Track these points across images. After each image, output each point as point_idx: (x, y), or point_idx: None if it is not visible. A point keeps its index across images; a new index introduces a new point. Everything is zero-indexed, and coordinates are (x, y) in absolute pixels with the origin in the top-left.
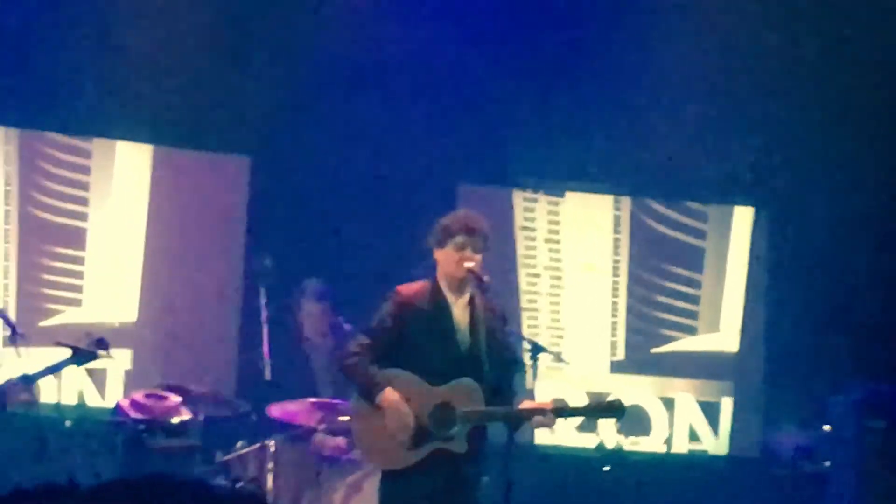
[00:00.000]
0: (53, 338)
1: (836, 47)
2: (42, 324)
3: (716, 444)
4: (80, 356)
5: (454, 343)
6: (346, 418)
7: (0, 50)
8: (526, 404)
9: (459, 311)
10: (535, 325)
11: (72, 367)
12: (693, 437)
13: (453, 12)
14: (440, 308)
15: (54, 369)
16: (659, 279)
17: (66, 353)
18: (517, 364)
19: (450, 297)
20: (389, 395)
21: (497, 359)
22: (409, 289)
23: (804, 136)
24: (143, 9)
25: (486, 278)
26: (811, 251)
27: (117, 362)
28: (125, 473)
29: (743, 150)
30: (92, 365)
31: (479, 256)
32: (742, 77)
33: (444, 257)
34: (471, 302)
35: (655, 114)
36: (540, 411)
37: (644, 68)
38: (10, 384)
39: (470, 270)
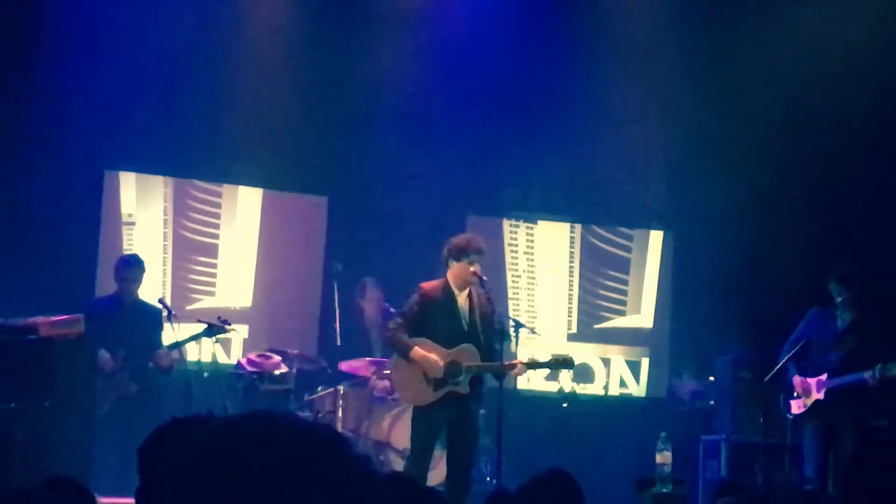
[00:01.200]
0: (195, 317)
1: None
2: (188, 307)
3: (637, 389)
4: (211, 330)
5: (458, 321)
6: (388, 371)
7: (158, 121)
8: (508, 361)
9: (462, 300)
10: (517, 308)
11: (205, 338)
12: (622, 384)
13: (469, 81)
14: (449, 298)
15: (194, 338)
16: (600, 279)
17: (201, 327)
18: (504, 335)
19: (456, 291)
20: (418, 352)
21: (488, 330)
22: (429, 285)
23: (699, 180)
24: (254, 88)
25: (485, 278)
26: (701, 260)
27: (238, 334)
28: (244, 409)
29: (657, 192)
30: (220, 336)
31: (478, 267)
32: (655, 140)
33: (459, 268)
34: (469, 294)
35: (597, 166)
36: (514, 366)
37: (587, 134)
38: (164, 351)
39: (475, 273)
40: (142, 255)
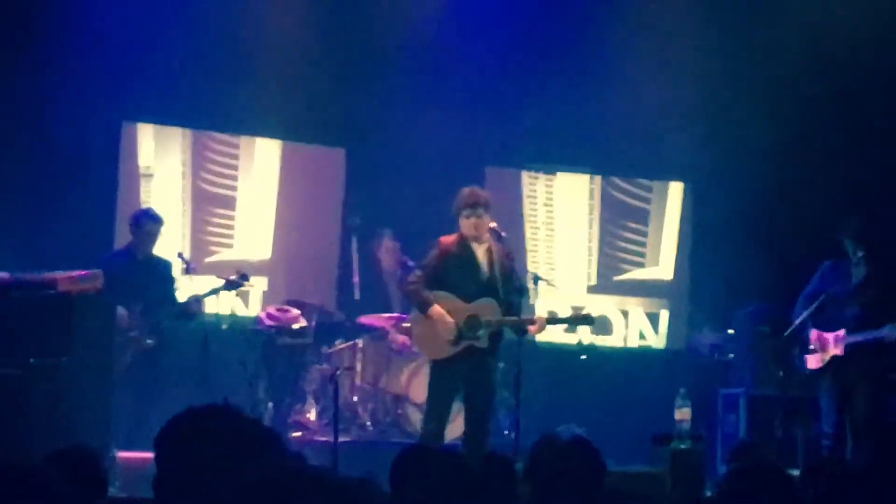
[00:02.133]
0: (214, 270)
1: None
2: (207, 260)
3: (656, 340)
4: (230, 285)
5: (477, 274)
6: (408, 324)
7: (176, 73)
8: (528, 316)
9: (481, 254)
10: (535, 261)
11: (224, 292)
12: (641, 336)
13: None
14: (467, 252)
15: (213, 292)
16: (619, 230)
17: (220, 281)
18: (523, 289)
19: (473, 244)
20: (437, 308)
21: (508, 286)
22: (446, 239)
23: (718, 131)
24: (271, 40)
25: (503, 233)
26: (720, 212)
27: (256, 287)
28: (262, 362)
29: (676, 143)
30: (239, 290)
31: (482, 219)
32: (675, 91)
33: (461, 224)
34: (488, 248)
35: (617, 117)
36: (536, 321)
37: (607, 85)
38: (190, 301)
39: (492, 229)
40: (160, 208)
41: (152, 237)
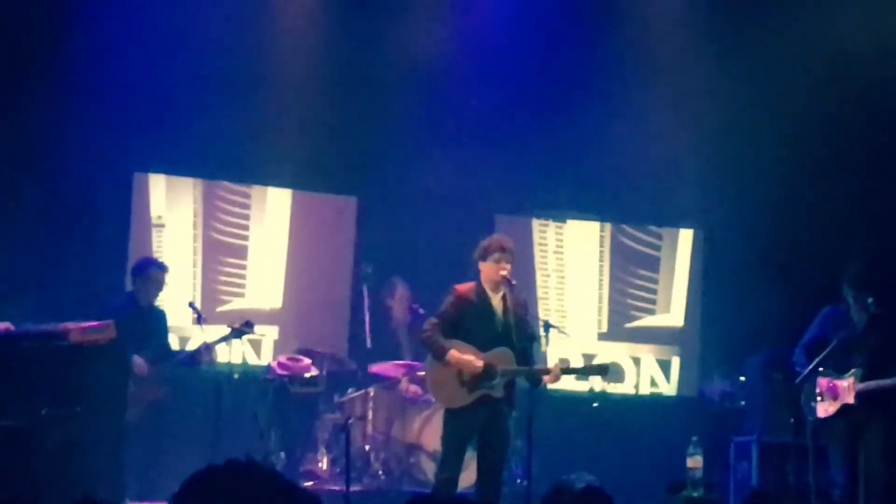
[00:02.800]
0: (226, 320)
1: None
2: (219, 309)
3: (668, 388)
4: (236, 333)
5: (493, 323)
6: (422, 373)
7: (187, 123)
8: (543, 366)
9: (496, 302)
10: (547, 308)
11: (235, 340)
12: (653, 383)
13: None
14: (484, 300)
15: (220, 341)
16: (630, 277)
17: (228, 330)
18: (535, 337)
19: (489, 293)
20: (454, 353)
21: (522, 334)
22: (463, 287)
23: (729, 178)
24: (282, 89)
25: (514, 282)
26: (730, 259)
27: (267, 336)
28: (273, 411)
29: (686, 190)
30: (250, 337)
31: (509, 266)
32: (686, 138)
33: (486, 268)
34: (503, 297)
35: (627, 165)
36: (550, 371)
37: (616, 132)
38: (200, 348)
39: (504, 276)
40: (171, 258)
41: (159, 285)
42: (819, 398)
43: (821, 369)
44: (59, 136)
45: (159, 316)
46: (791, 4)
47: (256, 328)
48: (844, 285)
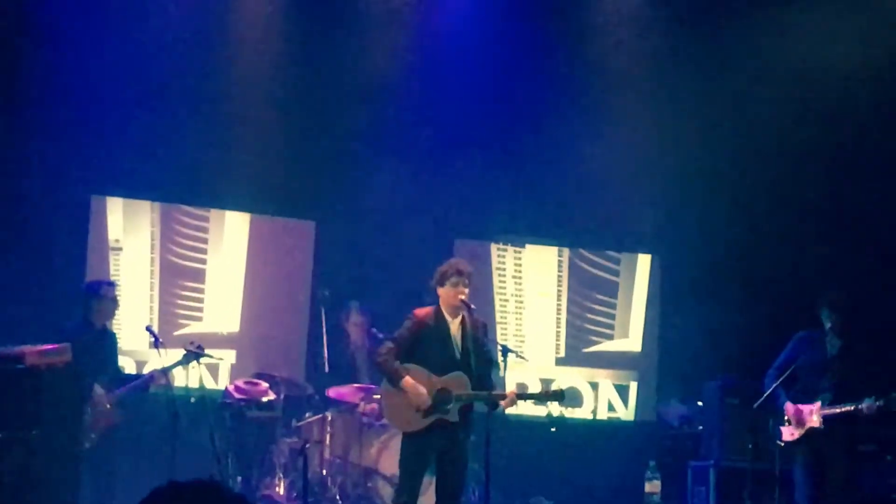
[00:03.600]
0: (183, 343)
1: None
2: (175, 333)
3: (626, 413)
4: (188, 357)
5: (450, 348)
6: (377, 397)
7: (144, 146)
8: (499, 391)
9: (454, 327)
10: (505, 333)
11: (191, 364)
12: (611, 408)
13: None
14: (442, 325)
15: (173, 367)
16: (587, 302)
17: (186, 354)
18: (493, 362)
19: (448, 318)
20: (408, 381)
21: (480, 359)
22: (422, 311)
23: (686, 205)
24: (240, 113)
25: (472, 306)
26: (688, 285)
27: (226, 359)
28: (230, 435)
29: (644, 216)
30: (207, 361)
31: (467, 290)
32: (643, 165)
33: (444, 293)
34: (462, 321)
35: (585, 190)
36: (506, 396)
37: (575, 159)
38: (154, 373)
39: (462, 301)
40: (128, 281)
41: (114, 302)
42: (787, 422)
43: (787, 394)
44: (15, 158)
45: (111, 339)
46: (741, 40)
47: (214, 352)
48: (823, 309)
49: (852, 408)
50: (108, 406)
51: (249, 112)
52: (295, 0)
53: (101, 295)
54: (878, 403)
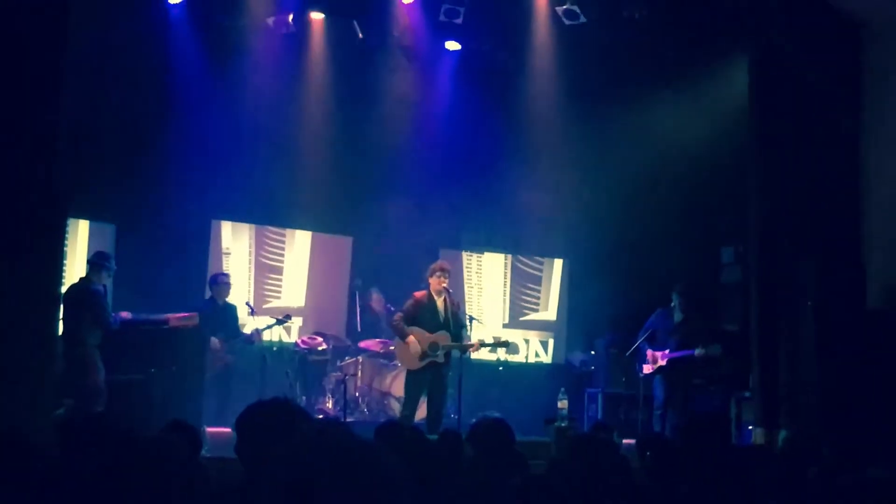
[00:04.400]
0: (269, 313)
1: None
2: (264, 306)
3: (546, 358)
4: (279, 321)
5: (437, 316)
6: (392, 347)
7: (245, 188)
8: (468, 342)
9: (440, 303)
10: (471, 308)
11: (276, 327)
12: (537, 355)
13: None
14: (432, 302)
15: (268, 327)
16: (522, 289)
17: (272, 320)
18: (464, 326)
19: (435, 297)
20: (410, 338)
21: (456, 323)
22: (419, 293)
23: (587, 224)
24: (303, 157)
25: (451, 290)
26: (586, 278)
27: (295, 323)
28: (298, 371)
29: (559, 234)
30: (285, 325)
31: (447, 280)
32: (555, 195)
33: (433, 281)
34: (444, 300)
35: (523, 217)
36: (473, 346)
37: (517, 194)
38: (254, 332)
39: (444, 287)
40: (235, 274)
41: (227, 289)
42: (647, 363)
43: (649, 345)
44: (161, 194)
45: (232, 310)
46: (627, 111)
47: (287, 322)
48: (674, 294)
49: (687, 353)
50: (219, 350)
51: (308, 160)
52: (339, 79)
53: (219, 282)
54: (702, 351)
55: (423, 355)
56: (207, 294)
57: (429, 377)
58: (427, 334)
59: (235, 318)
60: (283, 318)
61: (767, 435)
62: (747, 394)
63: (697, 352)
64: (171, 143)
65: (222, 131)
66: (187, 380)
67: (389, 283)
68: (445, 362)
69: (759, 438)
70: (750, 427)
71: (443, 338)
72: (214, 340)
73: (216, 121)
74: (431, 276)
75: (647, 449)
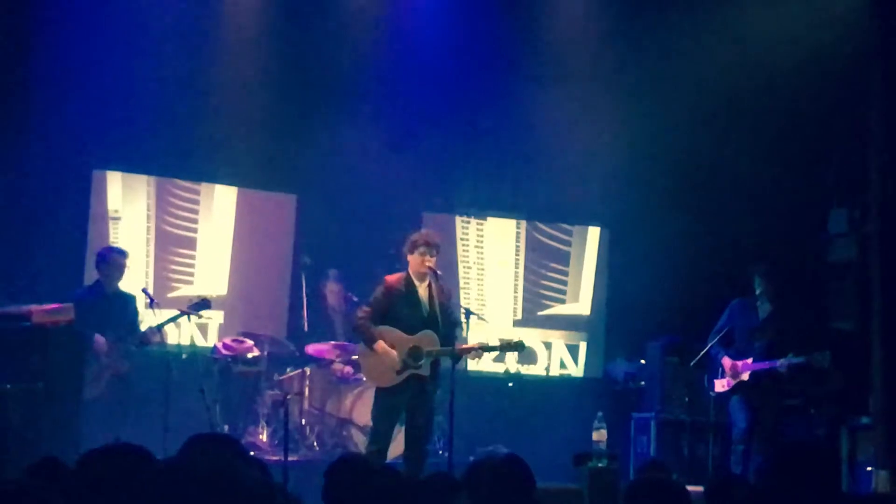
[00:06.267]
0: (175, 305)
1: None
2: (169, 295)
3: (576, 370)
4: (192, 308)
5: (419, 310)
6: (355, 357)
7: (142, 124)
8: (465, 345)
9: (422, 291)
10: (467, 297)
11: (185, 321)
12: (562, 365)
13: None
14: (411, 289)
15: (171, 320)
16: (542, 270)
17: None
18: (458, 323)
19: (416, 282)
20: (381, 344)
21: (445, 319)
22: (392, 277)
23: (634, 180)
24: (227, 89)
25: (439, 272)
26: (633, 255)
27: (213, 320)
28: (219, 388)
29: (595, 191)
30: (197, 321)
31: (434, 259)
32: (594, 144)
33: (413, 260)
34: (429, 285)
35: (542, 167)
36: (471, 350)
37: (533, 137)
38: (149, 330)
39: (430, 268)
40: (126, 248)
41: (121, 270)
42: (721, 376)
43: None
44: (22, 136)
45: (124, 300)
46: (679, 32)
47: (203, 312)
48: (755, 278)
49: (776, 363)
50: (109, 354)
51: (236, 93)
52: None
53: (110, 261)
54: (797, 360)
55: (401, 367)
56: (92, 277)
57: (408, 397)
58: (405, 336)
59: (133, 310)
60: (196, 306)
61: (895, 480)
62: (865, 420)
63: (793, 361)
64: (34, 67)
65: (108, 51)
66: (59, 399)
67: (351, 262)
68: (432, 375)
69: (883, 484)
70: (869, 468)
71: (427, 340)
72: (101, 341)
73: (100, 38)
74: (412, 252)
75: (721, 498)
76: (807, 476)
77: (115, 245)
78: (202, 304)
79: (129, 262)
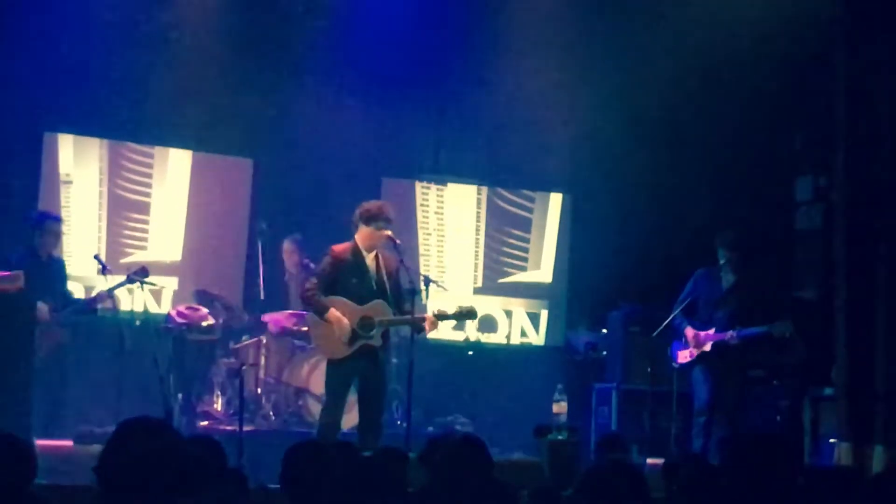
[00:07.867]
0: (129, 271)
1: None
2: (122, 261)
3: (537, 338)
4: (131, 278)
5: (368, 280)
6: (305, 328)
7: (94, 85)
8: (419, 314)
9: (370, 261)
10: (427, 265)
11: (136, 289)
12: (523, 334)
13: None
14: (358, 259)
15: (117, 287)
16: (503, 237)
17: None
18: (415, 290)
19: (364, 252)
20: (333, 313)
21: (396, 287)
22: (338, 248)
23: (596, 147)
24: (184, 54)
25: (398, 241)
26: (596, 222)
27: (168, 285)
28: (173, 356)
29: (557, 157)
30: (151, 288)
31: (389, 232)
32: (558, 109)
33: (368, 232)
34: (376, 255)
35: (503, 132)
36: (423, 319)
37: (494, 104)
38: (99, 296)
39: (389, 237)
40: (78, 213)
41: (57, 237)
42: (684, 346)
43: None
44: None
45: (59, 265)
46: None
47: (157, 279)
48: (719, 248)
49: (743, 333)
50: (48, 322)
51: (191, 56)
52: None
53: (44, 229)
54: (749, 332)
55: (354, 337)
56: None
57: (361, 368)
58: (356, 307)
59: (64, 276)
60: (139, 273)
61: (857, 452)
62: (828, 391)
63: (755, 331)
64: None
65: (60, 11)
66: (11, 370)
67: (310, 228)
68: (384, 345)
69: (846, 456)
70: (832, 440)
71: (378, 309)
72: (43, 308)
73: None
74: (367, 223)
75: (678, 474)
76: (770, 451)
77: (64, 212)
78: (140, 272)
79: (68, 228)
